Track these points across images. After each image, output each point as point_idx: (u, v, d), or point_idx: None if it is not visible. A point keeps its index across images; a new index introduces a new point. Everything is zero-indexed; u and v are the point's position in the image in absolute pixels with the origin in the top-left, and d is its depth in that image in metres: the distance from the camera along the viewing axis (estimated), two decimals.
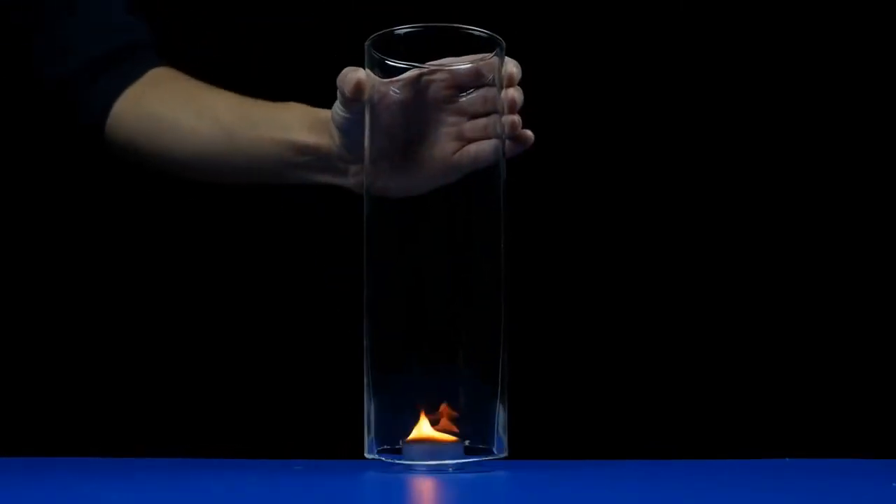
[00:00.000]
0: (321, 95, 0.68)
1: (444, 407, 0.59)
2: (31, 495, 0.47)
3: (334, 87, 0.62)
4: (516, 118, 0.62)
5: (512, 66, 0.62)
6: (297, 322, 0.87)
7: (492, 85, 0.61)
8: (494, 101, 0.62)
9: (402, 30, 0.61)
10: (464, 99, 0.63)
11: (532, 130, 0.62)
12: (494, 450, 0.59)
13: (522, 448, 0.63)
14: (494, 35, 0.61)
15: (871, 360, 0.86)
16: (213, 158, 0.77)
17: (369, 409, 0.60)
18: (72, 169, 0.90)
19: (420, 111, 0.63)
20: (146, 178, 0.88)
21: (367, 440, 0.59)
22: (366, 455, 0.59)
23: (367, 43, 0.61)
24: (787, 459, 0.66)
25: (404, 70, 0.61)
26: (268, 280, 0.89)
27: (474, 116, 0.63)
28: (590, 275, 0.89)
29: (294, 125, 0.73)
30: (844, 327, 0.87)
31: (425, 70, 0.61)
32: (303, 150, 0.72)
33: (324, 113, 0.69)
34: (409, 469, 0.57)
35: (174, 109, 0.78)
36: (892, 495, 0.48)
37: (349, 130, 0.66)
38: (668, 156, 0.89)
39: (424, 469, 0.57)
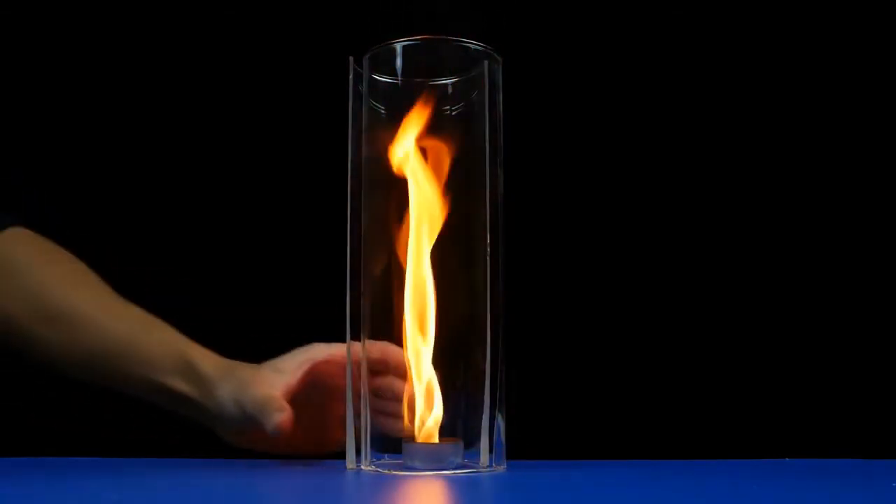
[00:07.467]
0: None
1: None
2: (31, 495, 0.47)
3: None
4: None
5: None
6: (296, 324, 0.87)
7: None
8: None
9: (397, 43, 0.60)
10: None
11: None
12: (493, 463, 0.59)
13: (522, 448, 0.63)
14: (488, 48, 0.60)
15: (871, 361, 0.86)
16: (70, 369, 0.73)
17: (365, 420, 0.59)
18: (65, 167, 0.89)
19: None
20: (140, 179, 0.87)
21: (362, 451, 0.59)
22: (362, 467, 0.59)
23: (365, 56, 0.60)
24: (787, 459, 0.66)
25: (389, 84, 0.61)
26: (267, 283, 0.89)
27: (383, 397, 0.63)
28: (589, 276, 0.89)
29: (166, 366, 0.70)
30: (844, 327, 0.87)
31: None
32: (175, 396, 0.70)
33: (196, 356, 0.69)
34: (409, 469, 0.57)
35: (20, 311, 0.72)
36: (892, 495, 0.48)
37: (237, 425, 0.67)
38: (662, 162, 0.89)
39: (423, 469, 0.57)
